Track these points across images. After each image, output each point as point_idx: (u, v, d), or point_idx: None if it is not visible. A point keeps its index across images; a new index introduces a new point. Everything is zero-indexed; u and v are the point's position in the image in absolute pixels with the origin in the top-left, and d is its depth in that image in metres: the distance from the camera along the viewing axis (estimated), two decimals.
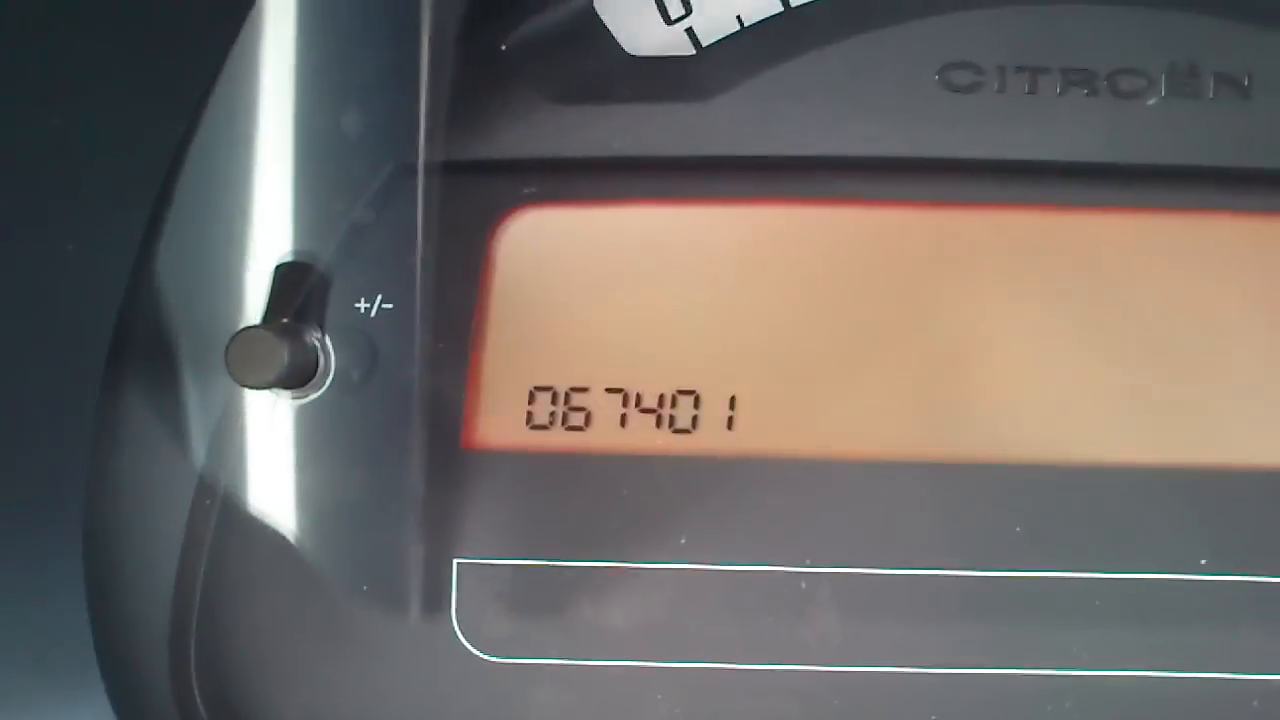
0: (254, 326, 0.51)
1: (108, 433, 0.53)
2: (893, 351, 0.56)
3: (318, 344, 0.53)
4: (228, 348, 0.50)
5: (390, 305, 0.55)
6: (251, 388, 0.51)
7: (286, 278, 0.53)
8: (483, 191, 0.56)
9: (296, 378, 0.52)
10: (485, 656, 0.55)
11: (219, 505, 0.55)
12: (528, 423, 0.56)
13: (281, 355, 0.50)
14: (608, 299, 0.56)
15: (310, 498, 0.55)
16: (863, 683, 0.55)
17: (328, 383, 0.53)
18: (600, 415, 0.56)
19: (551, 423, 0.56)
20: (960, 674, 0.54)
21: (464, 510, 0.55)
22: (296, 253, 0.54)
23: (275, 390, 0.53)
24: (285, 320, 0.53)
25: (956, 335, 0.55)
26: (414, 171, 0.55)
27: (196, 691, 0.54)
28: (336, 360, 0.53)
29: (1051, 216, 0.56)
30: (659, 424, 0.56)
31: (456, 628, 0.55)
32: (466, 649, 0.55)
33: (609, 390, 0.56)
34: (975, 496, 0.54)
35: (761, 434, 0.56)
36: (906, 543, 0.54)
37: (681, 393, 0.56)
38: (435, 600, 0.55)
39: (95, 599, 0.52)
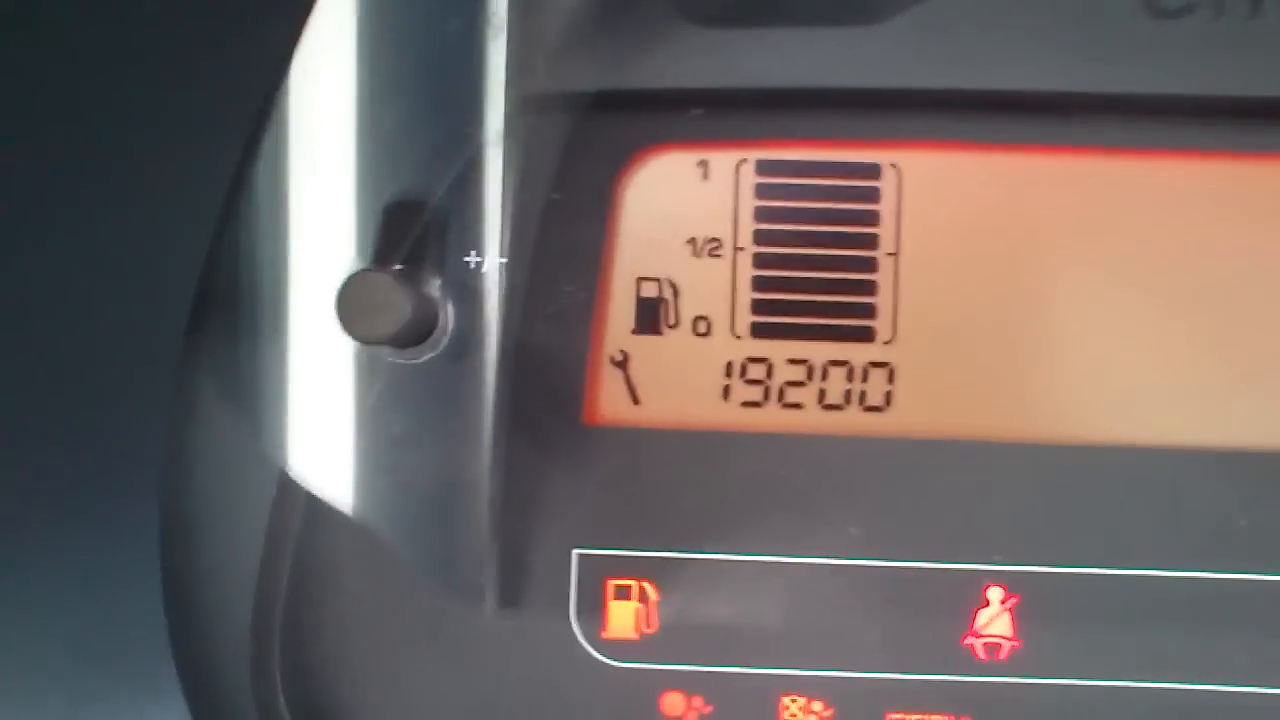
0: (370, 269, 0.43)
1: (186, 403, 0.45)
2: (1086, 320, 0.48)
3: (438, 295, 0.45)
4: (340, 293, 0.43)
5: (505, 259, 0.47)
6: (362, 341, 0.43)
7: (396, 220, 0.45)
8: (612, 129, 0.48)
9: (414, 333, 0.44)
10: (607, 661, 0.49)
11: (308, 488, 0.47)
12: (658, 395, 0.50)
13: (402, 304, 0.42)
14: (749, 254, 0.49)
15: (408, 479, 0.48)
16: (1034, 697, 0.48)
17: (444, 341, 0.46)
18: (739, 386, 0.49)
19: (684, 396, 0.49)
20: (1162, 689, 0.47)
21: (584, 495, 0.49)
22: (406, 192, 0.46)
23: (384, 348, 0.45)
24: (399, 266, 0.45)
25: (1172, 303, 0.48)
26: (537, 104, 0.47)
27: (280, 693, 0.48)
28: (456, 315, 0.46)
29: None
30: (809, 399, 0.49)
31: (575, 628, 0.49)
32: (586, 652, 0.49)
33: (751, 359, 0.49)
34: (1196, 485, 0.47)
35: (926, 412, 0.49)
36: (1109, 538, 0.47)
37: (833, 363, 0.49)
38: (550, 596, 0.49)
39: (171, 592, 0.46)
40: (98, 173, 0.44)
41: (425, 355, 0.46)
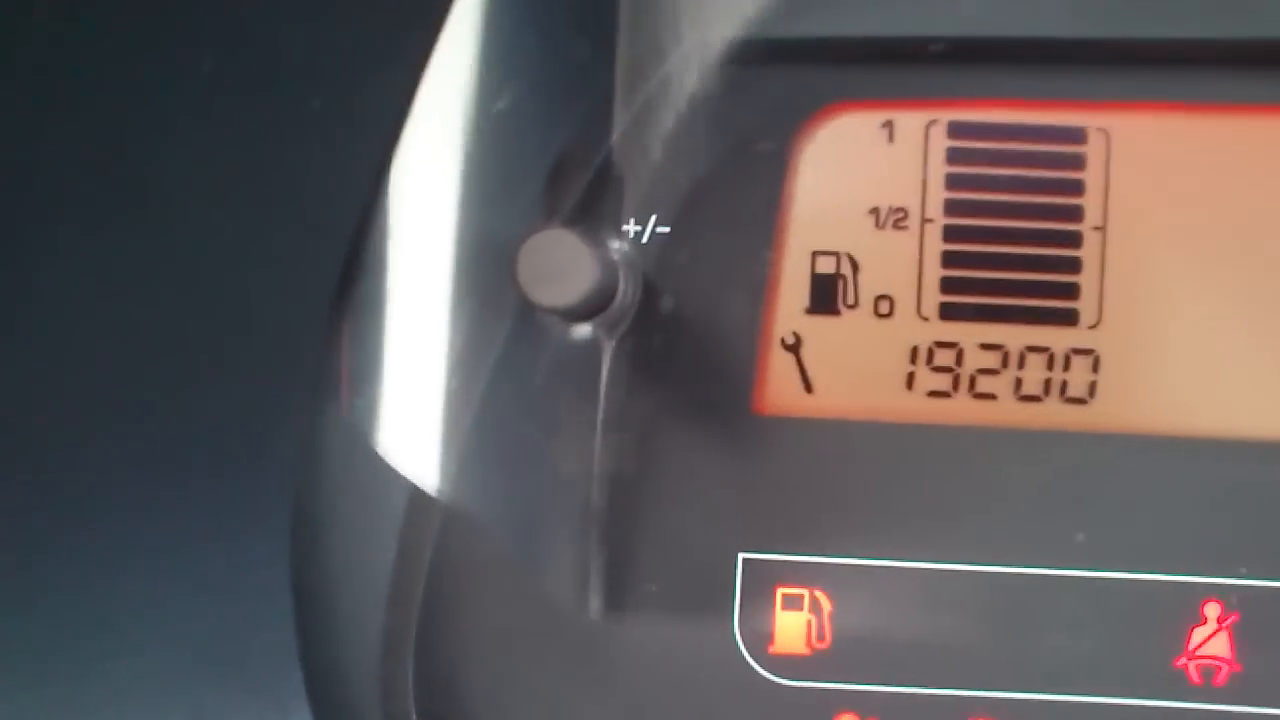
0: (553, 227, 0.38)
1: (325, 389, 0.41)
2: None
3: (617, 259, 0.40)
4: (520, 254, 0.38)
5: (666, 229, 0.43)
6: (546, 310, 0.38)
7: (560, 178, 0.40)
8: (788, 84, 0.43)
9: (597, 300, 0.39)
10: (775, 679, 0.44)
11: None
12: (835, 383, 0.45)
13: (591, 265, 0.37)
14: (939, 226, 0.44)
15: (555, 474, 0.43)
16: None
17: (628, 317, 0.41)
18: (925, 374, 0.44)
19: (865, 384, 0.44)
20: None
21: (752, 492, 0.44)
22: (570, 148, 0.41)
23: (558, 318, 0.40)
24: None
25: None
26: (709, 54, 0.42)
27: (413, 712, 0.43)
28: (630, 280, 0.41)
29: None
30: (1005, 388, 0.44)
31: (739, 641, 0.44)
32: (751, 668, 0.44)
33: (939, 344, 0.44)
34: None
35: (1135, 404, 0.44)
36: None
37: (1031, 349, 0.44)
38: (713, 607, 0.44)
39: (300, 598, 0.42)
40: (250, 122, 0.39)
41: (602, 327, 0.41)
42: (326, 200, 0.39)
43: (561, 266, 0.37)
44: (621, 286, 0.40)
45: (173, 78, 0.39)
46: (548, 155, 0.40)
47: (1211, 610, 0.44)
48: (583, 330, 0.41)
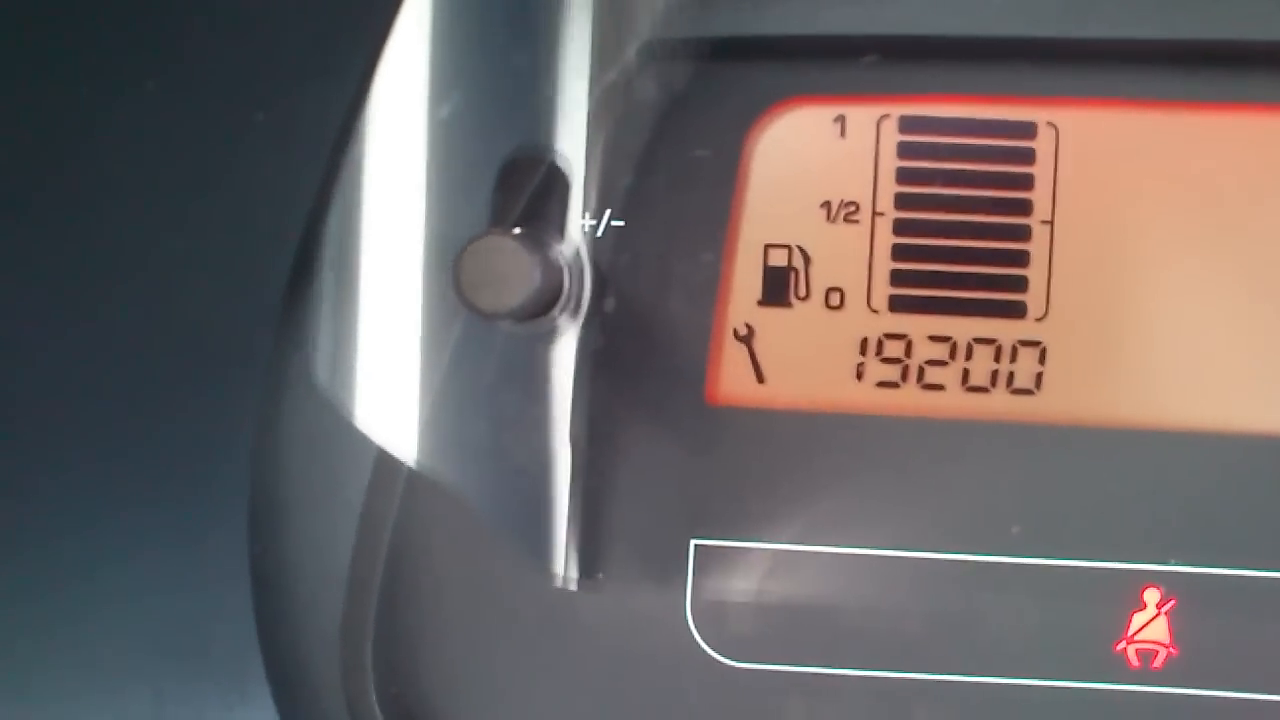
0: (492, 233, 0.39)
1: (281, 378, 0.41)
2: (1261, 296, 0.44)
3: (561, 261, 0.41)
4: (459, 262, 0.38)
5: (620, 222, 0.43)
6: (487, 314, 0.39)
7: (511, 179, 0.41)
8: (742, 80, 0.44)
9: (539, 304, 0.40)
10: (725, 660, 0.45)
11: (408, 469, 0.43)
12: (785, 373, 0.46)
13: (530, 271, 0.38)
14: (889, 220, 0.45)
15: (516, 460, 0.44)
16: (1191, 710, 0.44)
17: (562, 312, 0.41)
18: (874, 365, 0.45)
19: (815, 374, 0.45)
20: None
21: (704, 480, 0.45)
22: (521, 149, 0.41)
23: (502, 321, 0.40)
24: (519, 230, 0.40)
25: None
26: (659, 53, 0.42)
27: (373, 693, 0.45)
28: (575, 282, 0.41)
29: None
30: (952, 380, 0.45)
31: (692, 625, 0.45)
32: (703, 651, 0.46)
33: (888, 336, 0.45)
34: None
35: (1081, 396, 0.44)
36: None
37: (979, 341, 0.45)
38: (667, 591, 0.45)
39: (260, 584, 0.42)
40: (194, 136, 0.39)
41: (547, 327, 0.42)
42: (275, 210, 0.40)
43: (501, 272, 0.38)
44: (567, 287, 0.41)
45: (117, 95, 0.39)
46: (497, 159, 0.41)
47: (1151, 596, 0.45)
48: (532, 328, 0.42)
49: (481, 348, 0.43)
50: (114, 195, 0.39)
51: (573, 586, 0.45)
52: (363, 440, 0.43)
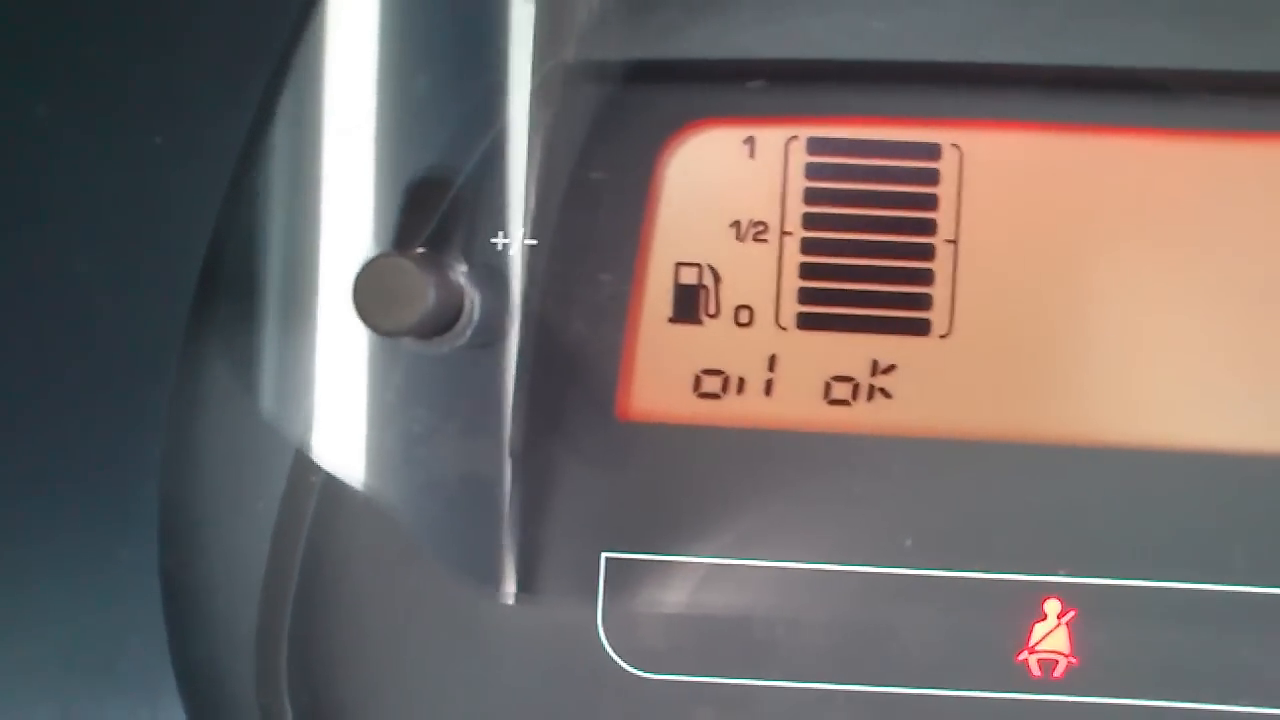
0: (389, 253, 0.40)
1: (190, 391, 0.42)
2: (1160, 315, 0.45)
3: (464, 281, 0.41)
4: (356, 281, 0.39)
5: (534, 241, 0.44)
6: (383, 333, 0.40)
7: (418, 199, 0.42)
8: (652, 102, 0.45)
9: (438, 323, 0.40)
10: (635, 671, 0.46)
11: (322, 481, 0.44)
12: (695, 390, 0.46)
13: (425, 292, 0.39)
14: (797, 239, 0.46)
15: (429, 474, 0.44)
16: (1091, 718, 0.45)
17: (469, 331, 0.42)
18: (784, 383, 0.46)
19: (724, 391, 0.46)
20: (1229, 712, 0.44)
21: (615, 494, 0.46)
22: (429, 169, 0.42)
23: (406, 339, 0.41)
24: (421, 249, 0.41)
25: (1253, 297, 0.45)
26: (570, 75, 0.43)
27: (287, 703, 0.45)
28: (481, 302, 0.42)
29: None
30: (859, 395, 0.46)
31: (602, 636, 0.46)
32: (614, 662, 0.46)
33: (796, 353, 0.46)
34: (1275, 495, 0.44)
35: (985, 411, 0.45)
36: (1177, 549, 0.45)
37: (885, 359, 0.46)
38: (579, 603, 0.46)
39: (171, 594, 0.43)
40: (100, 147, 0.40)
41: (450, 345, 0.42)
42: (181, 228, 0.41)
43: (396, 291, 0.38)
44: (467, 306, 0.42)
45: (19, 118, 0.40)
46: (404, 178, 0.42)
47: (1052, 607, 0.46)
48: (436, 346, 0.42)
49: (393, 363, 0.43)
50: (23, 215, 0.40)
51: (487, 597, 0.45)
52: (275, 451, 0.44)
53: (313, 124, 0.41)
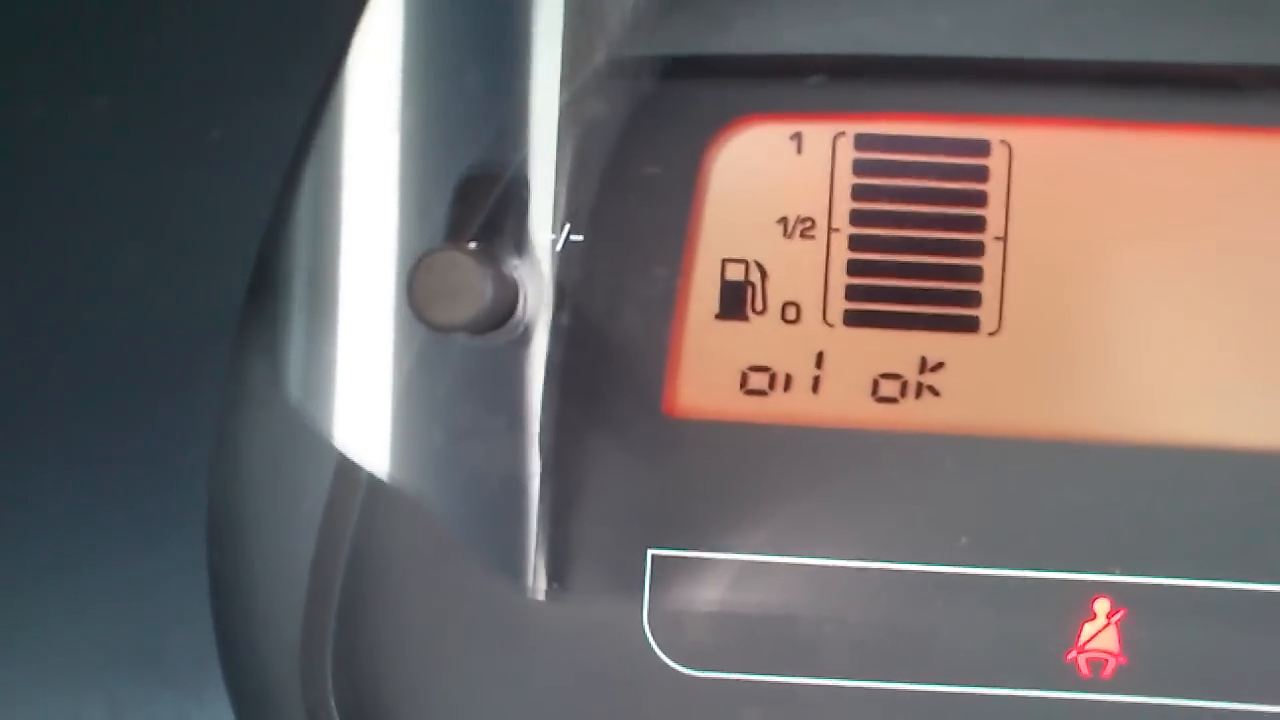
0: (445, 248, 0.39)
1: (239, 390, 0.42)
2: (1212, 313, 0.45)
3: (518, 276, 0.41)
4: (412, 276, 0.39)
5: (580, 237, 0.44)
6: (438, 328, 0.40)
7: (468, 195, 0.41)
8: (700, 98, 0.45)
9: (493, 318, 0.40)
10: (681, 669, 0.46)
11: (367, 481, 0.44)
12: (742, 387, 0.46)
13: (483, 286, 0.39)
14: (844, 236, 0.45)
15: (476, 471, 0.44)
16: (1140, 718, 0.45)
17: (523, 326, 0.42)
18: (831, 381, 0.45)
19: (771, 388, 0.45)
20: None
21: (662, 491, 0.46)
22: (478, 165, 0.42)
23: (459, 334, 0.41)
24: (475, 243, 0.41)
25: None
26: (618, 70, 0.43)
27: (332, 703, 0.45)
28: (532, 296, 0.42)
29: None
30: (907, 392, 0.45)
31: (648, 633, 0.45)
32: (660, 659, 0.46)
33: (843, 350, 0.46)
34: None
35: (1034, 410, 0.45)
36: (1229, 549, 0.44)
37: (934, 356, 0.46)
38: (624, 601, 0.46)
39: (218, 592, 0.43)
40: (153, 146, 0.40)
41: (504, 340, 0.42)
42: (233, 224, 0.41)
43: (454, 286, 0.38)
44: (521, 301, 0.41)
45: (72, 116, 0.40)
46: (456, 173, 0.42)
47: (1101, 606, 0.45)
48: (489, 341, 0.42)
49: (443, 359, 0.43)
50: (74, 211, 0.40)
51: (534, 596, 0.45)
52: (322, 451, 0.43)
53: (364, 121, 0.41)
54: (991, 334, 0.46)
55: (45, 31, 0.41)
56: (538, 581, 0.45)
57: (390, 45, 0.41)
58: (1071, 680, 0.45)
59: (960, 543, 0.44)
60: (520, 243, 0.42)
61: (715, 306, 0.46)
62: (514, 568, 0.45)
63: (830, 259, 0.46)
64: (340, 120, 0.41)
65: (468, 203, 0.42)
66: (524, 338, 0.43)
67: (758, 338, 0.46)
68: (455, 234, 0.41)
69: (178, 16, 0.40)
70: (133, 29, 0.40)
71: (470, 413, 0.44)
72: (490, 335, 0.41)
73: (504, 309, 0.40)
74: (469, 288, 0.38)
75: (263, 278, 0.42)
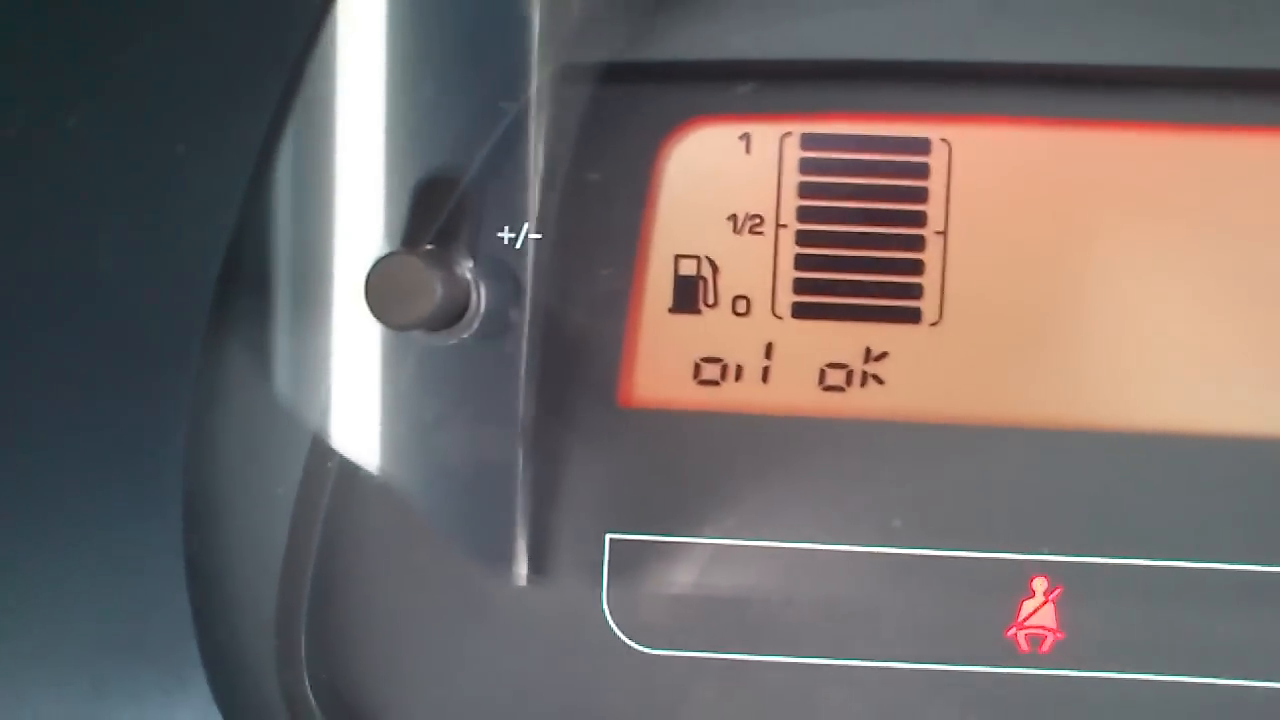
0: (399, 252, 0.42)
1: (211, 382, 0.44)
2: (1142, 303, 0.47)
3: (470, 276, 0.43)
4: (368, 278, 0.41)
5: (539, 235, 0.46)
6: (395, 327, 0.42)
7: (427, 197, 0.44)
8: (652, 101, 0.47)
9: (447, 316, 0.43)
10: (639, 647, 0.48)
11: (337, 468, 0.46)
12: (695, 377, 0.47)
13: (434, 287, 0.41)
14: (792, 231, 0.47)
15: (440, 460, 0.46)
16: (1077, 690, 0.47)
17: (476, 324, 0.44)
18: (780, 370, 0.47)
19: (722, 378, 0.47)
20: (1210, 684, 0.46)
21: (620, 479, 0.48)
22: (437, 169, 0.44)
23: (416, 331, 0.43)
24: (429, 246, 0.43)
25: (1233, 286, 0.46)
26: (573, 75, 0.45)
27: (306, 681, 0.47)
28: (487, 296, 0.44)
29: None
30: (853, 381, 0.47)
31: (608, 614, 0.47)
32: (618, 638, 0.48)
33: (792, 341, 0.48)
34: (1255, 476, 0.45)
35: (974, 396, 0.47)
36: (1160, 528, 0.46)
37: (877, 346, 0.48)
38: (584, 581, 0.47)
39: (195, 576, 0.45)
40: (119, 146, 0.42)
41: (458, 337, 0.44)
42: (201, 227, 0.43)
43: (406, 287, 0.41)
44: (473, 300, 0.44)
45: (47, 124, 0.42)
46: (413, 178, 0.44)
47: (1039, 584, 0.47)
48: (445, 338, 0.44)
49: (408, 352, 0.45)
50: (51, 216, 0.42)
51: (499, 579, 0.47)
52: (294, 436, 0.45)
53: (326, 128, 0.43)
54: (933, 324, 0.47)
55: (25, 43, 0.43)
56: (518, 567, 0.47)
57: (351, 52, 0.43)
58: (1011, 655, 0.47)
59: (894, 525, 0.46)
60: (475, 244, 0.44)
61: (669, 300, 0.48)
62: (493, 554, 0.47)
63: (779, 254, 0.48)
64: (303, 125, 0.43)
65: (425, 206, 0.44)
66: (484, 334, 0.45)
67: (709, 330, 0.48)
68: (411, 237, 0.43)
69: (150, 32, 0.42)
70: (107, 44, 0.42)
71: (437, 404, 0.46)
72: (445, 333, 0.43)
73: (456, 308, 0.42)
74: (421, 289, 0.40)
75: (232, 275, 0.44)
